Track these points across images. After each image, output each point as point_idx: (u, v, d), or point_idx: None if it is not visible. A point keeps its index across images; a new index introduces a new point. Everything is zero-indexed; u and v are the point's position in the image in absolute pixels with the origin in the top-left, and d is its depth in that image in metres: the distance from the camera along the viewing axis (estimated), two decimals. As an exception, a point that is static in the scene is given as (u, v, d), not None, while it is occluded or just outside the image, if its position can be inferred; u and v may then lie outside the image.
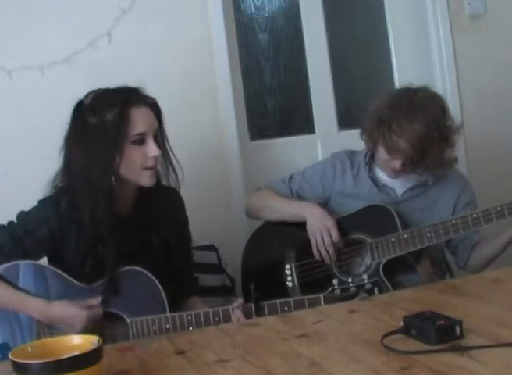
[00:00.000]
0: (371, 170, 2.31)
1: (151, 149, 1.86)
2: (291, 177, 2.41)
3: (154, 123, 1.89)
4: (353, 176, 2.32)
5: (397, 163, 2.17)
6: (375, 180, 2.30)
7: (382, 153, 2.20)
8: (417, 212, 2.24)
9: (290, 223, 2.30)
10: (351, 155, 2.37)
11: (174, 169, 1.96)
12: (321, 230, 2.19)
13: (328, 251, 2.18)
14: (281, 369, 1.32)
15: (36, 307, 1.76)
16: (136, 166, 1.86)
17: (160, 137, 1.93)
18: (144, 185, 1.90)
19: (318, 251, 2.20)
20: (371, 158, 2.32)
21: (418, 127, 2.09)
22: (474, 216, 2.08)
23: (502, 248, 2.18)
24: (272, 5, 3.05)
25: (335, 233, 2.18)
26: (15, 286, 1.81)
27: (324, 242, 2.18)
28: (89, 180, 1.84)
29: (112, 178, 1.84)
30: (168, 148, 1.96)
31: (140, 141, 1.85)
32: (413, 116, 2.11)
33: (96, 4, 2.58)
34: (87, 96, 1.89)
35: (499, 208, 2.06)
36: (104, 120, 1.83)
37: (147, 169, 1.88)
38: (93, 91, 1.90)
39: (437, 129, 2.12)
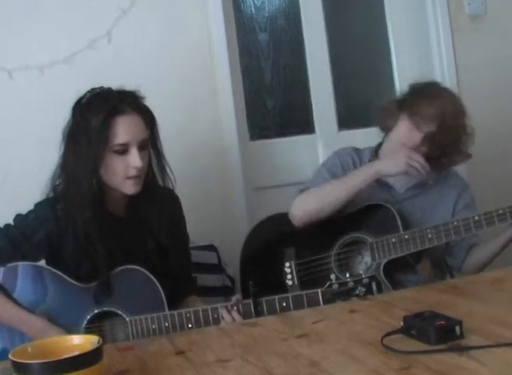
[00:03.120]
0: None
1: (134, 160, 1.84)
2: (310, 183, 2.31)
3: (140, 132, 1.86)
4: None
5: (418, 136, 2.15)
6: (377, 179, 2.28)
7: (402, 127, 2.18)
8: (418, 211, 2.24)
9: (288, 220, 2.29)
10: (357, 151, 2.36)
11: (167, 176, 1.96)
12: (407, 156, 2.12)
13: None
14: (281, 369, 1.32)
15: (35, 327, 1.75)
16: (118, 175, 1.86)
17: (153, 144, 1.92)
18: (127, 193, 1.89)
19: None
20: (374, 155, 2.31)
21: (448, 102, 2.14)
22: (476, 218, 2.07)
23: (498, 251, 2.18)
24: (272, 5, 3.05)
25: (416, 154, 2.13)
26: (14, 300, 1.80)
27: (420, 161, 2.13)
28: (75, 181, 1.85)
29: (94, 183, 1.84)
30: (161, 155, 1.94)
31: (122, 150, 1.84)
32: (441, 94, 2.16)
33: (96, 4, 2.58)
34: (85, 94, 1.89)
35: (501, 211, 2.05)
36: (89, 126, 1.82)
37: (129, 178, 1.87)
38: (92, 90, 1.90)
39: (461, 115, 2.15)
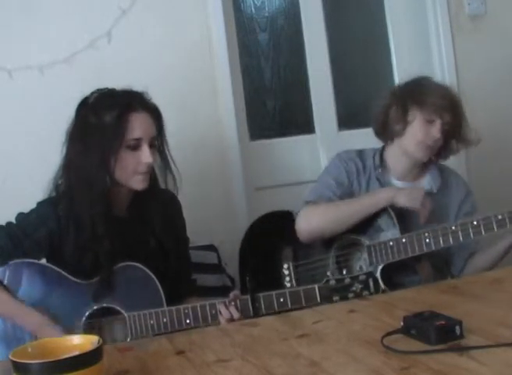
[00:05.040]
0: (380, 172, 2.27)
1: (145, 155, 1.87)
2: (319, 196, 2.25)
3: (151, 129, 1.90)
4: (366, 180, 2.28)
5: (437, 129, 2.14)
6: (381, 182, 2.26)
7: (415, 128, 2.16)
8: (418, 219, 2.19)
9: (286, 220, 2.27)
10: (360, 155, 2.32)
11: (173, 176, 1.97)
12: (421, 197, 2.12)
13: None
14: (281, 369, 1.33)
15: (31, 322, 1.76)
16: (129, 170, 1.88)
17: (159, 143, 1.94)
18: (136, 189, 1.92)
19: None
20: (379, 160, 2.28)
21: (448, 88, 2.17)
22: (475, 223, 2.01)
23: (497, 260, 2.15)
24: (272, 5, 3.05)
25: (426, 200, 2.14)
26: (14, 295, 1.81)
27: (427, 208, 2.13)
28: (86, 177, 1.86)
29: (107, 179, 1.86)
30: (168, 154, 1.96)
31: (135, 146, 1.87)
32: (437, 83, 2.19)
33: (96, 4, 2.58)
34: (92, 94, 1.91)
35: (500, 217, 1.98)
36: (103, 122, 1.85)
37: (138, 174, 1.89)
38: (98, 90, 1.92)
39: (460, 101, 2.17)
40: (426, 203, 2.12)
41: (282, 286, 2.25)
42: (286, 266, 2.27)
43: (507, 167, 3.07)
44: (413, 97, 2.18)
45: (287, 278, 2.26)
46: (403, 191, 2.16)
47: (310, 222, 2.20)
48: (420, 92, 2.18)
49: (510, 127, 3.11)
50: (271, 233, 2.35)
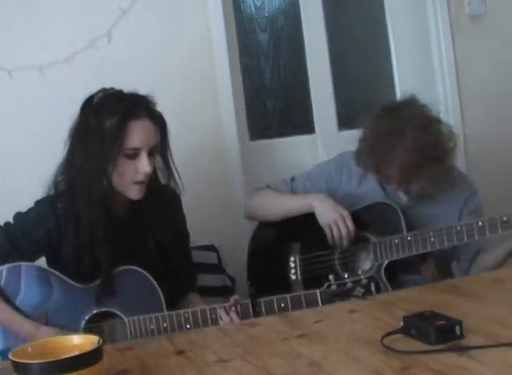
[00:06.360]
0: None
1: (143, 165, 1.84)
2: (293, 179, 2.36)
3: (152, 138, 1.87)
4: (359, 179, 2.28)
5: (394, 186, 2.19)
6: (381, 183, 2.25)
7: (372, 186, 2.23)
8: (422, 219, 2.19)
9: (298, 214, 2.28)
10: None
11: (175, 182, 1.96)
12: (335, 219, 2.14)
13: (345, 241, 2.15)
14: (281, 369, 1.33)
15: (24, 330, 1.77)
16: (126, 178, 1.86)
17: (163, 151, 1.92)
18: (131, 198, 1.89)
19: (334, 240, 2.16)
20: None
21: (400, 156, 2.06)
22: (480, 224, 2.02)
23: (505, 258, 2.13)
24: (272, 5, 3.05)
25: (350, 223, 2.14)
26: (11, 303, 1.80)
27: (341, 232, 2.14)
28: (84, 178, 1.85)
29: (105, 183, 1.85)
30: (171, 162, 1.95)
31: (133, 155, 1.84)
32: (393, 143, 2.07)
33: (96, 4, 2.58)
34: (97, 94, 1.89)
35: (505, 219, 1.99)
36: (103, 127, 1.82)
37: (136, 183, 1.87)
38: (104, 91, 1.89)
39: (422, 151, 2.06)
40: (340, 227, 2.13)
41: (288, 278, 2.25)
42: (292, 258, 2.26)
43: (507, 167, 3.07)
44: (375, 163, 2.15)
45: (292, 271, 2.26)
46: (324, 206, 2.18)
47: (252, 206, 2.39)
48: (382, 159, 2.12)
49: (510, 127, 3.11)
50: (281, 227, 2.34)
